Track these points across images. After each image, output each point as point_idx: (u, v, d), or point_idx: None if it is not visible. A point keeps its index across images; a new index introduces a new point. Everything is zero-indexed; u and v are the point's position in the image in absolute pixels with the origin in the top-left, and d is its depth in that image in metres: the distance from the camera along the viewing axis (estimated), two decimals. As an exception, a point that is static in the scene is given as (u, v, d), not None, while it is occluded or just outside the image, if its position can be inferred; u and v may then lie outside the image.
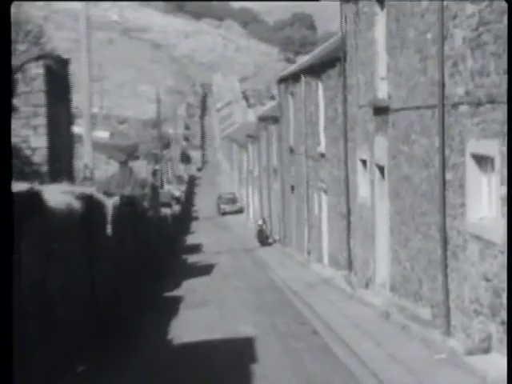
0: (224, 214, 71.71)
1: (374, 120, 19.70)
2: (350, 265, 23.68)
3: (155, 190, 41.35)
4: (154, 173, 65.33)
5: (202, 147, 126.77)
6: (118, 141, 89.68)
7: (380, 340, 14.44)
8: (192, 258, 35.71)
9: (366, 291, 20.35)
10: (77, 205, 15.10)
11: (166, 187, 65.25)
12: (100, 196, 20.38)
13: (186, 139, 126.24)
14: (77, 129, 34.19)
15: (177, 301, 21.29)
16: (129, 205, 26.26)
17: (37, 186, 12.11)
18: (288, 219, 37.84)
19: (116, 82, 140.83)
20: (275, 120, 41.16)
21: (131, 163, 41.17)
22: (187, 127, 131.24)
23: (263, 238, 42.18)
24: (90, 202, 16.81)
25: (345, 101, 23.70)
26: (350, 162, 23.41)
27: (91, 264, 16.15)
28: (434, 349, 13.35)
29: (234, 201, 74.01)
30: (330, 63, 25.92)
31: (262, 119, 49.16)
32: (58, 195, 14.15)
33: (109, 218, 21.30)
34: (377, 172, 19.87)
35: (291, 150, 35.72)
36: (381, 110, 18.95)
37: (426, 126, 15.45)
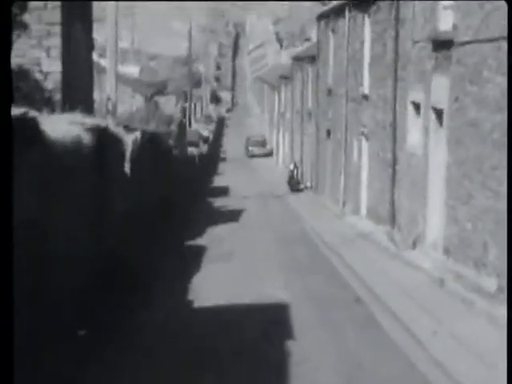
0: (252, 156, 69.21)
1: (433, 56, 17.00)
2: (392, 219, 21.17)
3: (182, 127, 38.84)
4: (183, 111, 62.90)
5: (233, 88, 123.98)
6: (148, 77, 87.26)
7: (438, 315, 11.98)
8: (218, 202, 33.32)
9: (412, 252, 17.85)
10: (87, 138, 12.68)
11: (194, 126, 62.69)
12: (118, 130, 17.95)
13: (217, 79, 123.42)
14: (104, 62, 31.87)
15: (199, 252, 18.91)
16: (152, 142, 23.92)
17: (35, 113, 9.67)
18: (322, 166, 35.30)
19: (147, 17, 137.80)
20: (312, 60, 38.37)
21: (158, 99, 38.63)
22: (218, 67, 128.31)
23: (294, 184, 39.68)
24: (103, 135, 14.37)
25: (396, 36, 20.94)
26: (399, 104, 20.76)
27: (101, 206, 13.77)
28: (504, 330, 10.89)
29: (263, 143, 71.42)
30: (380, -6, 23.15)
31: (298, 59, 46.29)
32: (64, 126, 11.72)
33: (127, 155, 19.05)
34: (433, 116, 17.22)
35: (329, 92, 33.02)
36: (442, 45, 16.24)
37: (504, 61, 12.78)
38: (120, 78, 41.02)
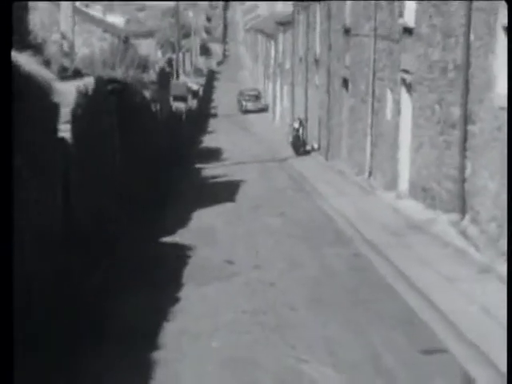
0: (246, 112, 61.75)
1: None
2: (462, 204, 14.12)
3: (165, 77, 31.47)
4: (169, 62, 55.33)
5: (224, 41, 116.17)
6: (133, 27, 79.54)
7: None
8: (208, 170, 26.22)
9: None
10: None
11: (182, 79, 55.13)
12: (47, 76, 10.90)
13: (207, 31, 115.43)
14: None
15: (179, 262, 11.87)
16: (117, 93, 16.78)
17: None
18: (336, 124, 28.12)
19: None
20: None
21: (135, 41, 31.21)
22: (208, 19, 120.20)
23: (300, 146, 32.30)
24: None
25: None
26: (478, 33, 13.60)
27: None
28: None
29: (257, 98, 63.92)
30: None
31: (301, -1, 38.71)
32: None
33: (67, 111, 12.14)
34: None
35: (346, 32, 25.74)
36: None
37: None
38: (94, 22, 33.64)
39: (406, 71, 18.37)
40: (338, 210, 17.52)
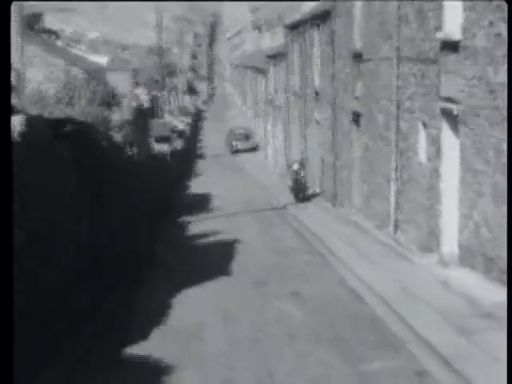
0: (236, 151, 57.26)
1: None
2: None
3: (143, 116, 26.93)
4: (153, 100, 50.96)
5: (210, 78, 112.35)
6: (117, 67, 75.47)
7: None
8: (196, 225, 21.59)
9: None
10: None
11: (167, 118, 50.63)
12: None
13: (193, 70, 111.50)
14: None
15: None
16: (69, 137, 12.34)
17: None
18: (344, 165, 23.65)
19: (121, 8, 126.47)
20: (322, 19, 26.66)
21: (112, 77, 26.75)
22: (194, 57, 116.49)
23: (300, 191, 27.63)
24: None
25: None
26: None
27: None
28: None
29: (247, 137, 59.47)
30: None
31: (295, 26, 34.41)
32: None
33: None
34: None
35: (356, 56, 21.39)
36: None
37: None
38: (61, 55, 29.25)
39: (449, 99, 13.91)
40: (369, 286, 12.92)
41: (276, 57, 44.51)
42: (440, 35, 14.19)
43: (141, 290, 12.71)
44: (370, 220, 19.62)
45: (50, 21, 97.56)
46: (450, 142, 14.10)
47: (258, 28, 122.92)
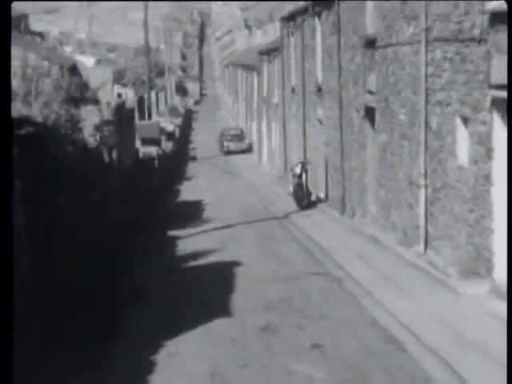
0: (228, 153, 54.26)
1: None
2: None
3: (127, 116, 23.85)
4: (140, 101, 47.85)
5: (200, 79, 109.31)
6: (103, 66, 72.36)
7: None
8: (186, 240, 18.52)
9: None
10: None
11: (155, 119, 47.51)
12: None
13: (183, 70, 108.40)
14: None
15: None
16: (17, 141, 9.27)
17: None
18: (354, 168, 20.64)
19: (106, 8, 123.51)
20: (326, 4, 23.66)
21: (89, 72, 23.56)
22: (184, 57, 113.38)
23: (303, 196, 24.50)
24: None
25: None
26: None
27: None
28: None
29: (240, 137, 56.46)
30: None
31: (293, 17, 31.35)
32: None
33: None
34: None
35: (369, 43, 18.40)
36: None
37: None
38: (31, 47, 26.15)
39: (503, 87, 10.90)
40: (408, 328, 9.91)
41: (270, 53, 41.54)
42: (490, 5, 11.19)
43: (114, 345, 9.62)
44: (390, 233, 16.61)
45: (35, 23, 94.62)
46: (505, 140, 11.10)
47: (249, 28, 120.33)
